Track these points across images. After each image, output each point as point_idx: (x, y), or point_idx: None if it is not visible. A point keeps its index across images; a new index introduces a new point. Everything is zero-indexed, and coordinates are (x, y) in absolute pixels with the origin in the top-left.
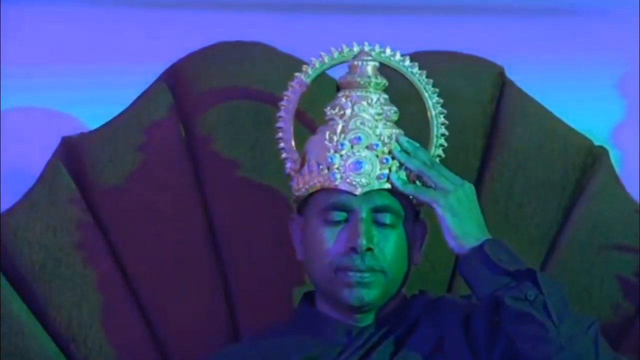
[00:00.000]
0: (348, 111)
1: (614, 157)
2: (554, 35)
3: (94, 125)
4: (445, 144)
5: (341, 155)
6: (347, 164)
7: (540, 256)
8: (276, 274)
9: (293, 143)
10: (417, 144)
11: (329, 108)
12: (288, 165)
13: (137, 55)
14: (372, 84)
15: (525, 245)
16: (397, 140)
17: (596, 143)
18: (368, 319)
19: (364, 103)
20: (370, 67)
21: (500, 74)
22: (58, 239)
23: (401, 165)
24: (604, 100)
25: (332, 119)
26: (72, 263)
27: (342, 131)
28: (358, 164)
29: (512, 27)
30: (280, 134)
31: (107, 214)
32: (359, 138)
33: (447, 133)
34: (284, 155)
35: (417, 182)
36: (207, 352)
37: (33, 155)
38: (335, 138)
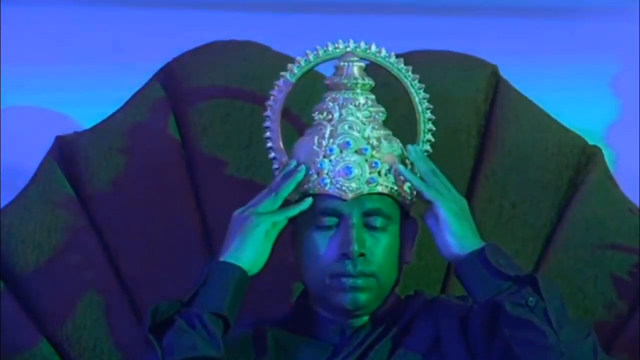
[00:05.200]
0: (336, 115)
1: (607, 156)
2: (548, 34)
3: (88, 124)
4: (433, 139)
5: (330, 161)
6: (336, 169)
7: (534, 255)
8: (271, 272)
9: (281, 143)
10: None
11: (316, 112)
12: (276, 166)
13: (131, 54)
14: (358, 85)
15: (519, 244)
16: (402, 153)
17: (590, 142)
18: (362, 319)
19: (352, 106)
20: (356, 68)
21: (494, 73)
22: (52, 238)
23: (390, 168)
24: (598, 99)
25: (320, 124)
26: (65, 262)
27: (331, 136)
28: (347, 169)
29: (506, 26)
30: (267, 134)
31: (100, 213)
32: (348, 143)
33: (434, 128)
34: (271, 155)
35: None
36: None
37: (27, 155)
38: (324, 143)
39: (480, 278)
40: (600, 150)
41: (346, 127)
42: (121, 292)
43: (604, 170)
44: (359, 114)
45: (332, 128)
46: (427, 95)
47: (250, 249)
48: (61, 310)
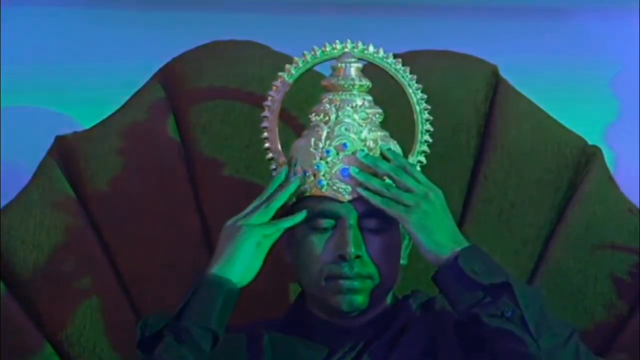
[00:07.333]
0: (332, 117)
1: (607, 156)
2: (548, 34)
3: (87, 124)
4: (430, 140)
5: (327, 162)
6: (333, 171)
7: (534, 256)
8: (270, 272)
9: (279, 143)
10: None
11: (313, 114)
12: (273, 166)
13: (131, 54)
14: (355, 87)
15: (518, 244)
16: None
17: (590, 142)
18: (359, 320)
19: (349, 108)
20: (354, 69)
21: (494, 73)
22: (51, 238)
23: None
24: (598, 99)
25: (316, 125)
26: (65, 262)
27: (328, 137)
28: (344, 171)
29: (506, 26)
30: (265, 134)
31: (100, 213)
32: (345, 145)
33: (432, 129)
34: (269, 155)
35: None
36: None
37: (27, 155)
38: (320, 145)
39: (454, 289)
40: (599, 150)
41: (343, 129)
42: (121, 293)
43: (604, 170)
44: (355, 116)
45: (328, 130)
46: (425, 96)
47: (240, 261)
48: (61, 311)
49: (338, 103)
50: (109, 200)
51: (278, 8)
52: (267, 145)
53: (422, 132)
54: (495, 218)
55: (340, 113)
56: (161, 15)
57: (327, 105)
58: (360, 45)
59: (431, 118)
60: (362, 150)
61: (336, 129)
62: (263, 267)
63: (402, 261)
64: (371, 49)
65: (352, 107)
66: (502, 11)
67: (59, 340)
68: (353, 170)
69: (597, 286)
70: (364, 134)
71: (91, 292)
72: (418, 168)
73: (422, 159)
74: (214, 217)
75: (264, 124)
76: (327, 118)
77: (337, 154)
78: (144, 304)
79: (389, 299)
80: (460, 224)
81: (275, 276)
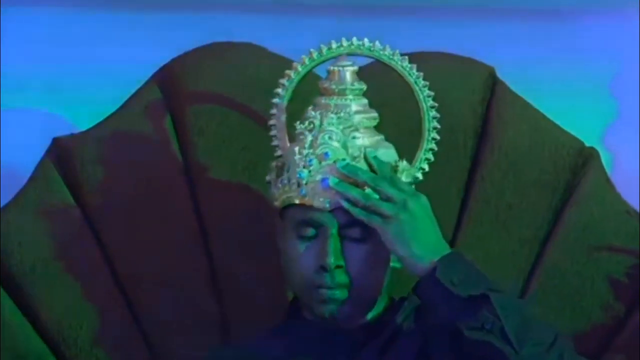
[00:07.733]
0: (317, 124)
1: (604, 158)
2: (546, 35)
3: (85, 126)
4: (438, 137)
5: (309, 171)
6: (315, 180)
7: (531, 257)
8: (268, 274)
9: (287, 140)
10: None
11: (299, 122)
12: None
13: (129, 56)
14: (349, 91)
15: (515, 245)
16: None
17: (587, 144)
18: (351, 324)
19: (333, 115)
20: (349, 73)
21: (491, 74)
22: (48, 239)
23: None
24: (595, 101)
25: (301, 133)
26: (62, 264)
27: (311, 146)
28: (324, 181)
29: (504, 27)
30: (273, 132)
31: (97, 214)
32: (327, 154)
33: (439, 126)
34: (278, 152)
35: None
36: (197, 352)
37: (24, 156)
38: (304, 152)
39: (434, 302)
40: (597, 152)
41: (326, 137)
42: (118, 294)
43: (601, 172)
44: (340, 124)
45: (312, 138)
46: (432, 93)
47: None
48: (58, 311)
49: (324, 110)
50: (106, 201)
51: (276, 9)
52: (275, 142)
53: (429, 130)
54: (493, 219)
55: (324, 121)
56: (159, 16)
57: (312, 113)
58: (366, 42)
59: (438, 116)
60: (343, 160)
61: (320, 137)
62: (264, 269)
63: (393, 264)
64: (377, 45)
65: (337, 114)
66: (499, 12)
67: (56, 341)
68: (332, 181)
69: (594, 288)
70: (348, 142)
71: (88, 293)
72: (426, 165)
73: (430, 156)
74: (211, 219)
75: (272, 121)
76: (311, 126)
77: (320, 163)
78: (141, 305)
79: (383, 302)
80: (457, 225)
81: (275, 278)
